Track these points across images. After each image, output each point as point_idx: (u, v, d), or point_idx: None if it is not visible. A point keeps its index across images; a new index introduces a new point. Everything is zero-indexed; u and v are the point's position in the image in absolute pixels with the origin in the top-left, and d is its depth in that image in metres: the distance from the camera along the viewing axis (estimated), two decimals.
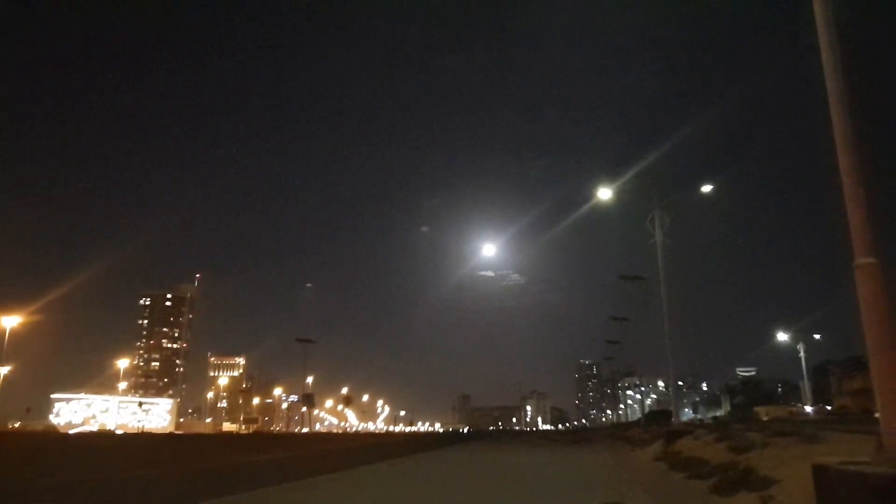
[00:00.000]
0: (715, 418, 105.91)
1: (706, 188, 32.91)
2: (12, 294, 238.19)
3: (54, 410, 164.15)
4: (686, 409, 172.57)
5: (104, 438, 33.43)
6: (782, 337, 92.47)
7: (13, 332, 74.27)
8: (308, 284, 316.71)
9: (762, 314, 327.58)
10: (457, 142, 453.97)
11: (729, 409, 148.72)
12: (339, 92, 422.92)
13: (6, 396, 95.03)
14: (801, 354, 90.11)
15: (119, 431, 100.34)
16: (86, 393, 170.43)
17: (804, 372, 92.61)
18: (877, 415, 6.96)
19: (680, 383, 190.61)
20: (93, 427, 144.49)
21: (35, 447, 15.02)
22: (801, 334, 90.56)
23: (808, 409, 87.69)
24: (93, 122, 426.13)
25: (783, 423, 41.88)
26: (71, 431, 74.36)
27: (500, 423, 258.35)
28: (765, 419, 71.19)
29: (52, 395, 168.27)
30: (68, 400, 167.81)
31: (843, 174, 7.34)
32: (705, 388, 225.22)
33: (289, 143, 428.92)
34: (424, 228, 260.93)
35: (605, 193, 32.96)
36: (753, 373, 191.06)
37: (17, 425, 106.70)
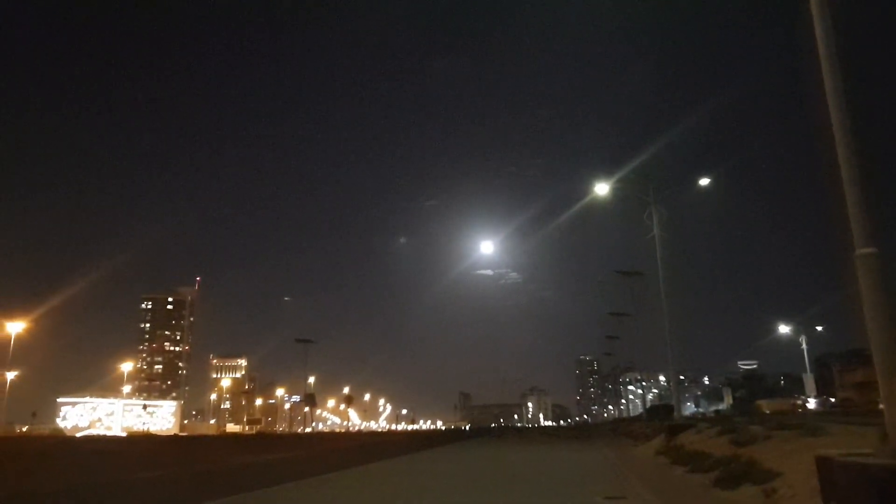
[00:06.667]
0: (717, 412, 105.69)
1: (704, 181, 32.83)
2: (16, 300, 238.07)
3: (61, 414, 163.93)
4: (688, 404, 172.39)
5: (111, 441, 33.50)
6: (784, 330, 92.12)
7: (18, 338, 74.42)
8: (286, 298, 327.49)
9: (763, 307, 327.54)
10: (454, 143, 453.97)
11: (731, 402, 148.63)
12: (338, 96, 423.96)
13: (12, 401, 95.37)
14: (804, 347, 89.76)
15: (124, 434, 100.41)
16: (90, 396, 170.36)
17: (807, 364, 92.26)
18: (881, 407, 6.94)
19: (681, 377, 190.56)
20: (99, 430, 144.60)
21: (42, 450, 15.05)
22: (801, 327, 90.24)
23: (812, 401, 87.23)
24: (93, 127, 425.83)
25: (785, 416, 41.78)
26: (77, 434, 74.33)
27: (501, 421, 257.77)
28: (767, 412, 71.16)
29: (59, 399, 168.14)
30: (74, 403, 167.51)
31: (841, 164, 7.33)
32: (707, 382, 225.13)
33: (288, 147, 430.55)
34: (402, 240, 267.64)
35: (602, 188, 32.85)
36: (755, 366, 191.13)
37: (24, 429, 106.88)
